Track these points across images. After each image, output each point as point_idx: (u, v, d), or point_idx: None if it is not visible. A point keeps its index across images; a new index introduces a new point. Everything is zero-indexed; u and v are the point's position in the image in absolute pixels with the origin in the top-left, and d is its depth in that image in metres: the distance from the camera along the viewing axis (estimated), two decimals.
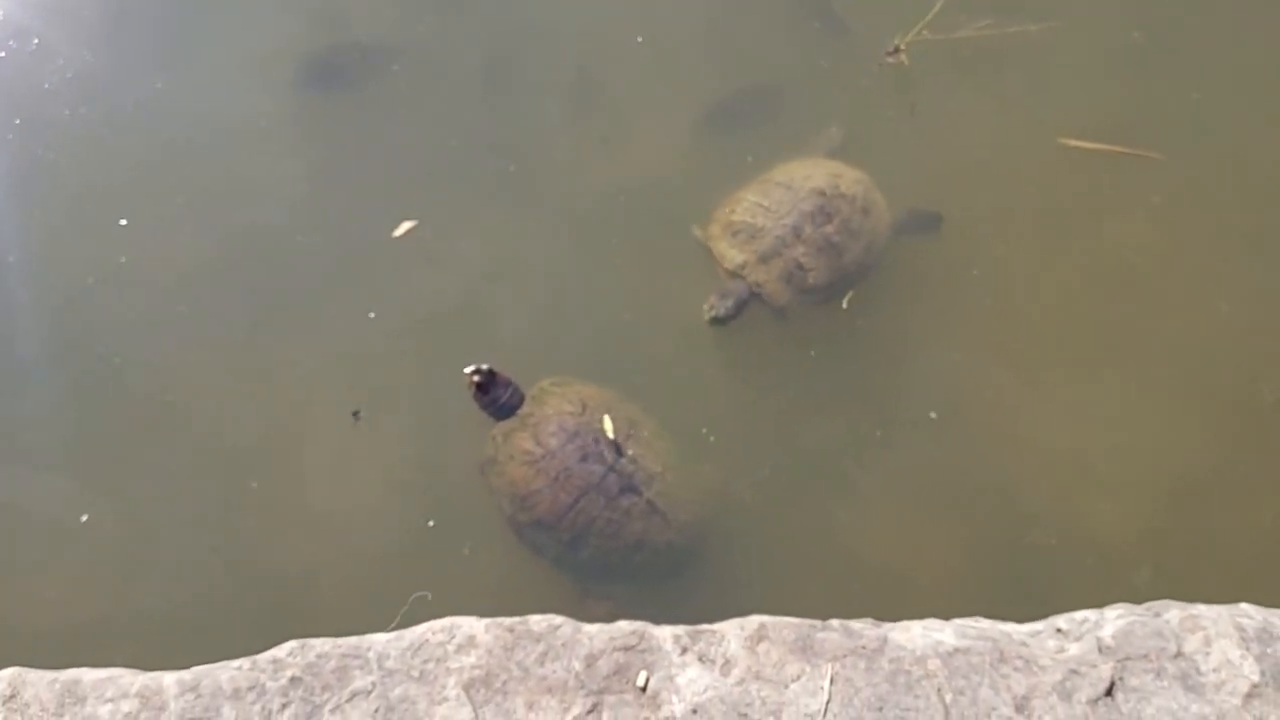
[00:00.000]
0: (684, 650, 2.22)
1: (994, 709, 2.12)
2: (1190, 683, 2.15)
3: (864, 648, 2.21)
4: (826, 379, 3.47)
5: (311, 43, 4.00)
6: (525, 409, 3.22)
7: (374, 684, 2.16)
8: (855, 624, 2.28)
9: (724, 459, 3.33)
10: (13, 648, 2.40)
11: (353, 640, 2.23)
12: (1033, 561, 3.20)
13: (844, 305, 3.55)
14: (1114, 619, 2.26)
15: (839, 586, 3.18)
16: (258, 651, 2.23)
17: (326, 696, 2.15)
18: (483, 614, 2.28)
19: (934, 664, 2.18)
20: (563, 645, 2.22)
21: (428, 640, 2.22)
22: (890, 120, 3.87)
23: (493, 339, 3.51)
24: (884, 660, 2.19)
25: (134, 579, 3.18)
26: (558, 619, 2.26)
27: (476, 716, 2.12)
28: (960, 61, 3.89)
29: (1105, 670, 2.17)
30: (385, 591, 2.97)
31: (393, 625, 2.48)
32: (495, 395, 3.21)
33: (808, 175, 3.57)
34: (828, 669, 2.18)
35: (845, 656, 2.20)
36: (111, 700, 2.15)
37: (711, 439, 3.36)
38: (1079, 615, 2.30)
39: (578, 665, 2.19)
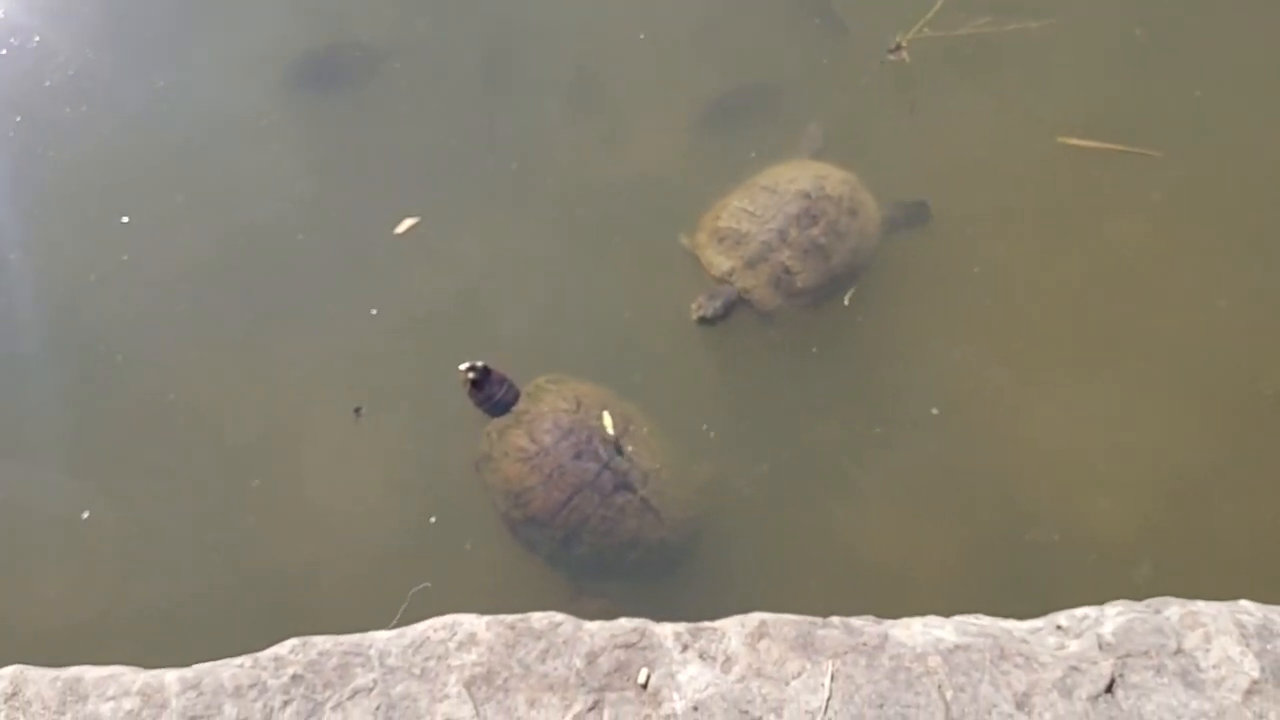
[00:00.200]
0: (685, 647, 2.22)
1: (994, 706, 2.12)
2: (1190, 679, 2.16)
3: (865, 645, 2.21)
4: (827, 376, 3.47)
5: (312, 41, 4.00)
6: (520, 406, 3.23)
7: (375, 681, 2.16)
8: (856, 621, 2.28)
9: (724, 455, 3.33)
10: (14, 645, 2.40)
11: (354, 638, 2.23)
12: (1033, 559, 3.20)
13: (845, 302, 3.55)
14: (1114, 616, 2.27)
15: (839, 583, 3.18)
16: (259, 649, 2.23)
17: (328, 694, 2.15)
18: (484, 610, 2.28)
19: (934, 661, 2.18)
20: (564, 643, 2.22)
21: (429, 638, 2.22)
22: (891, 118, 3.87)
23: (493, 336, 3.51)
24: (884, 657, 2.20)
25: (135, 576, 3.18)
26: (559, 616, 2.27)
27: (478, 714, 2.12)
28: (961, 59, 3.89)
29: (1105, 667, 2.17)
30: (387, 589, 2.97)
31: (394, 622, 2.49)
32: (490, 392, 3.21)
33: (793, 178, 3.56)
34: (828, 666, 2.18)
35: (846, 653, 2.20)
36: (113, 698, 2.15)
37: (712, 435, 3.36)
38: (1079, 612, 2.30)
39: (579, 662, 2.20)
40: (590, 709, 2.14)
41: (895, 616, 2.32)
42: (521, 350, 3.44)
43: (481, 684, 2.16)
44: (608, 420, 3.19)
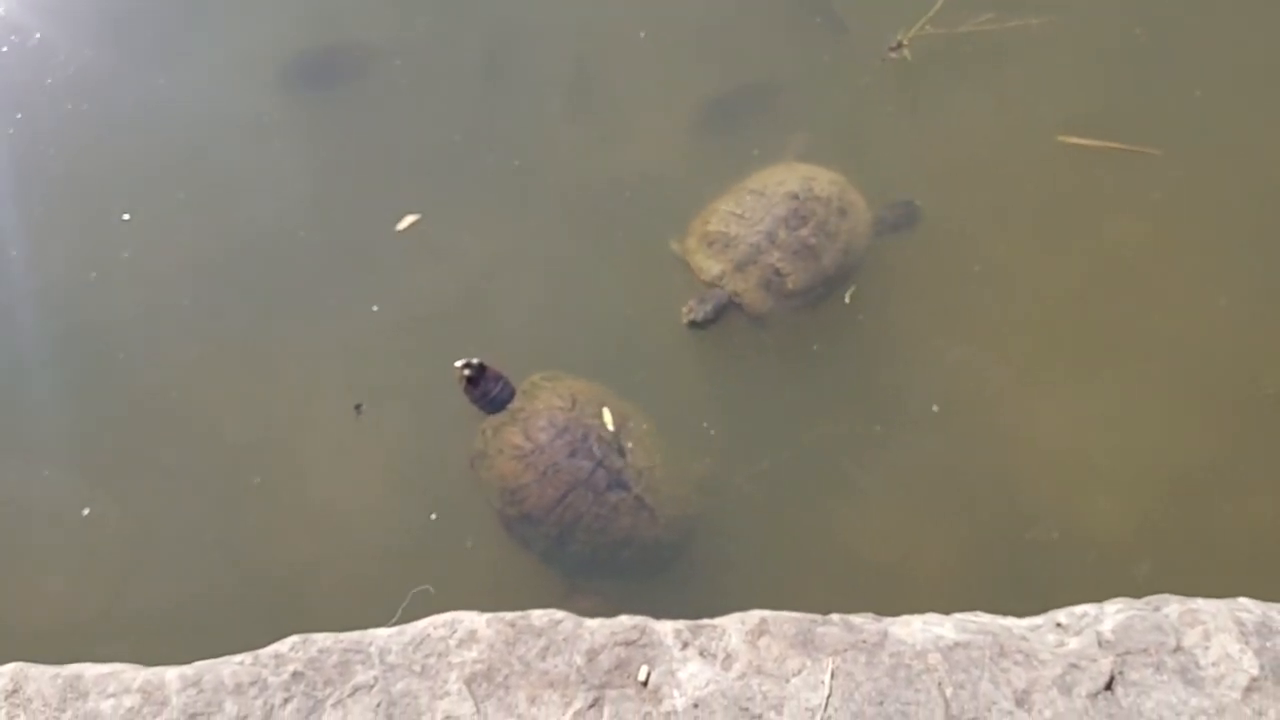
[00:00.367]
0: (685, 645, 2.22)
1: (994, 703, 2.12)
2: (1190, 676, 2.16)
3: (864, 642, 2.21)
4: (828, 374, 3.47)
5: (314, 39, 4.00)
6: (516, 403, 3.23)
7: (376, 679, 2.16)
8: (856, 618, 2.28)
9: (724, 453, 3.33)
10: (14, 643, 2.41)
11: (354, 635, 2.24)
12: (1033, 557, 3.20)
13: (846, 301, 3.55)
14: (1113, 613, 2.27)
15: (839, 581, 3.18)
16: (260, 646, 2.23)
17: (328, 691, 2.15)
18: (485, 608, 2.29)
19: (934, 658, 2.19)
20: (564, 640, 2.22)
21: (429, 635, 2.23)
22: (892, 116, 3.87)
23: (495, 333, 3.51)
24: (884, 654, 2.20)
25: (135, 574, 3.18)
26: (559, 614, 2.27)
27: (478, 711, 2.12)
28: (962, 57, 3.89)
29: (1105, 664, 2.17)
30: (387, 586, 2.98)
31: (394, 620, 2.49)
32: (485, 389, 3.21)
33: (781, 180, 3.56)
34: (828, 663, 2.18)
35: (846, 651, 2.20)
36: (113, 695, 2.15)
37: (712, 433, 3.36)
38: (1079, 609, 2.31)
39: (579, 660, 2.20)
40: (591, 706, 2.14)
41: (895, 613, 2.32)
42: (523, 347, 3.44)
43: (482, 681, 2.16)
44: (608, 417, 3.20)
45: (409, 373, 3.41)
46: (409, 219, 3.65)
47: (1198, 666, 2.17)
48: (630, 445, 3.16)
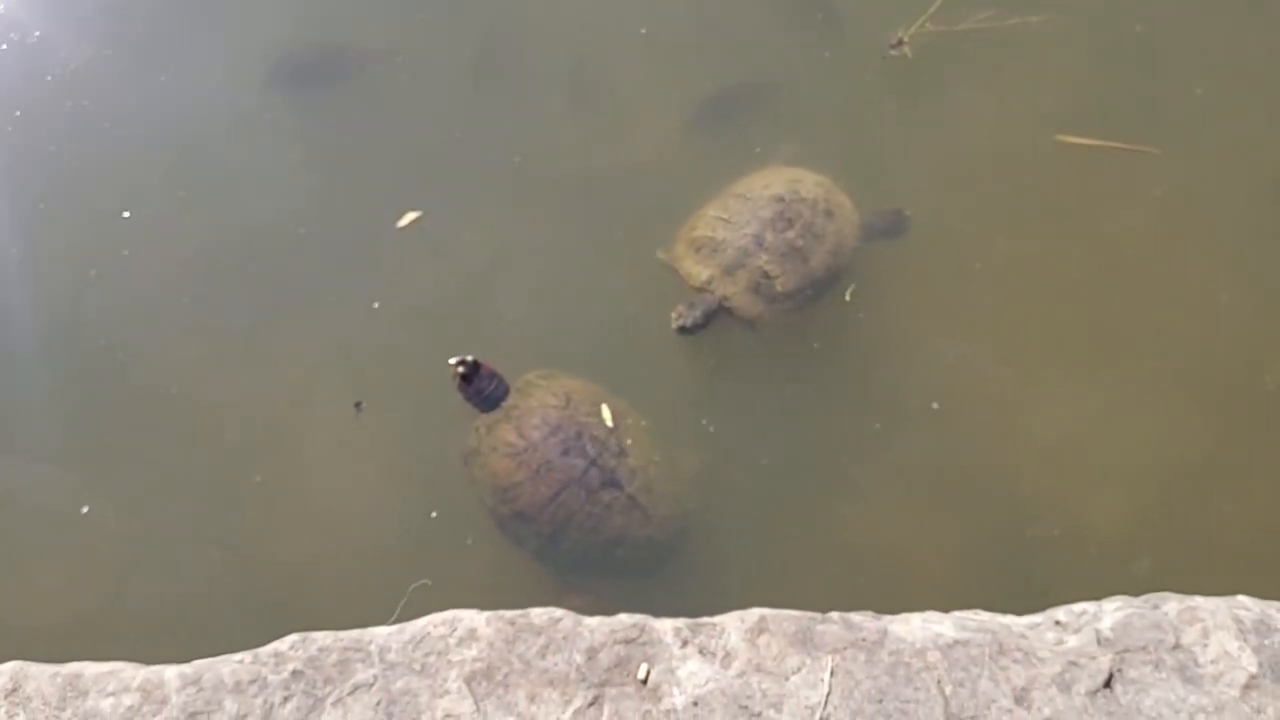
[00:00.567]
0: (685, 643, 2.22)
1: (993, 701, 2.13)
2: (1188, 674, 2.16)
3: (864, 640, 2.22)
4: (827, 371, 3.47)
5: (314, 35, 4.00)
6: (510, 401, 3.23)
7: (376, 677, 2.17)
8: (855, 616, 2.28)
9: (724, 450, 3.33)
10: (13, 641, 2.41)
11: (354, 633, 2.24)
12: (1033, 553, 3.20)
13: (846, 298, 3.55)
14: (1112, 611, 2.27)
15: (839, 579, 3.18)
16: (259, 645, 2.24)
17: (328, 690, 2.15)
18: (486, 605, 2.29)
19: (934, 656, 2.19)
20: (564, 638, 2.23)
21: (429, 633, 2.23)
22: (892, 113, 3.87)
23: (496, 330, 3.51)
24: (884, 652, 2.20)
25: (135, 572, 3.18)
26: (559, 612, 2.27)
27: (478, 709, 2.12)
28: (962, 54, 3.88)
29: (1104, 662, 2.17)
30: (388, 584, 2.97)
31: (394, 617, 2.49)
32: (479, 386, 3.21)
33: (766, 184, 3.55)
34: (828, 661, 2.18)
35: (845, 649, 2.20)
36: (113, 694, 2.15)
37: (711, 429, 3.36)
38: (1077, 607, 2.31)
39: (579, 658, 2.20)
40: (590, 704, 2.14)
41: (895, 611, 2.32)
42: (523, 344, 3.45)
43: (482, 679, 2.16)
44: (606, 414, 3.20)
45: (409, 370, 3.41)
46: (409, 215, 3.65)
47: (1196, 664, 2.17)
48: (630, 442, 3.17)
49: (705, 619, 2.28)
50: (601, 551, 3.12)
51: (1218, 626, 2.21)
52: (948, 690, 2.14)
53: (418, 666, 2.18)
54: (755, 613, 2.27)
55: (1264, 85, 3.83)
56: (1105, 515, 3.22)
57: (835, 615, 2.28)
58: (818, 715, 2.11)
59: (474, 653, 2.19)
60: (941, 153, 3.76)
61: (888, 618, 2.29)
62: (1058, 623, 2.28)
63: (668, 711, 2.12)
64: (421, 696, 2.14)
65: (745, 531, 3.25)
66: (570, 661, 2.19)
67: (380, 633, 2.24)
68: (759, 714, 2.12)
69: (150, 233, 3.64)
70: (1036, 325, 3.51)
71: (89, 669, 2.20)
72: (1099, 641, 2.21)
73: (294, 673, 2.17)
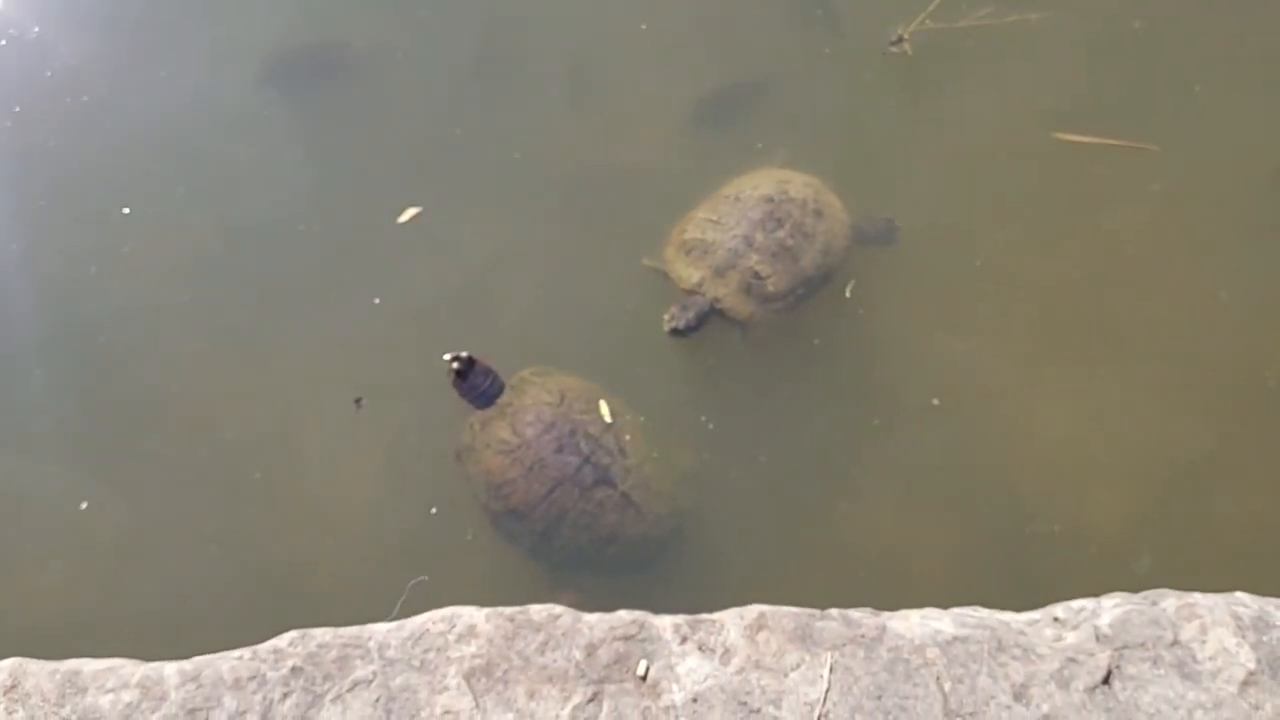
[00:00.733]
0: (684, 639, 2.22)
1: (992, 697, 2.13)
2: (1187, 671, 2.16)
3: (863, 636, 2.22)
4: (827, 368, 3.48)
5: (314, 31, 3.99)
6: (504, 398, 3.23)
7: (375, 673, 2.17)
8: (854, 613, 2.29)
9: (723, 447, 3.33)
10: (13, 637, 2.41)
11: (353, 630, 2.24)
12: (1033, 550, 3.21)
13: (846, 295, 3.55)
14: (1111, 608, 2.27)
15: (838, 575, 3.18)
16: (258, 641, 2.24)
17: (328, 686, 2.15)
18: (486, 601, 2.29)
19: (932, 653, 2.19)
20: (563, 635, 2.23)
21: (428, 630, 2.23)
22: (891, 110, 3.87)
23: (496, 326, 3.51)
24: (883, 649, 2.20)
25: (134, 568, 3.18)
26: (558, 608, 2.27)
27: (477, 705, 2.13)
28: (962, 51, 3.88)
29: (1103, 658, 2.18)
30: (388, 580, 2.98)
31: (393, 614, 2.49)
32: (475, 383, 3.21)
33: (755, 185, 3.54)
34: (827, 658, 2.18)
35: (844, 645, 2.21)
36: (112, 690, 2.16)
37: (710, 426, 3.37)
38: (1076, 604, 2.31)
39: (578, 654, 2.20)
40: (590, 700, 2.14)
41: (894, 608, 2.33)
42: (523, 340, 3.45)
43: (481, 676, 2.16)
44: (605, 409, 3.20)
45: (410, 366, 3.41)
46: (410, 212, 3.65)
47: (1195, 661, 2.18)
48: (628, 438, 3.17)
49: (704, 616, 2.28)
50: (594, 549, 3.12)
51: (1216, 623, 2.22)
52: (947, 686, 2.14)
53: (417, 663, 2.18)
54: (754, 609, 2.27)
55: (1262, 82, 3.83)
56: (1104, 512, 3.22)
57: (834, 612, 2.29)
58: (817, 712, 2.12)
59: (473, 649, 2.20)
60: (941, 150, 3.77)
61: (887, 614, 2.30)
62: (1056, 619, 2.28)
63: (667, 708, 2.13)
64: (421, 693, 2.14)
65: (744, 528, 3.25)
66: (570, 658, 2.20)
67: (379, 629, 2.24)
68: (758, 710, 2.12)
69: (150, 229, 3.64)
70: (1036, 322, 3.51)
71: (88, 665, 2.20)
72: (1097, 638, 2.21)
73: (293, 669, 2.18)
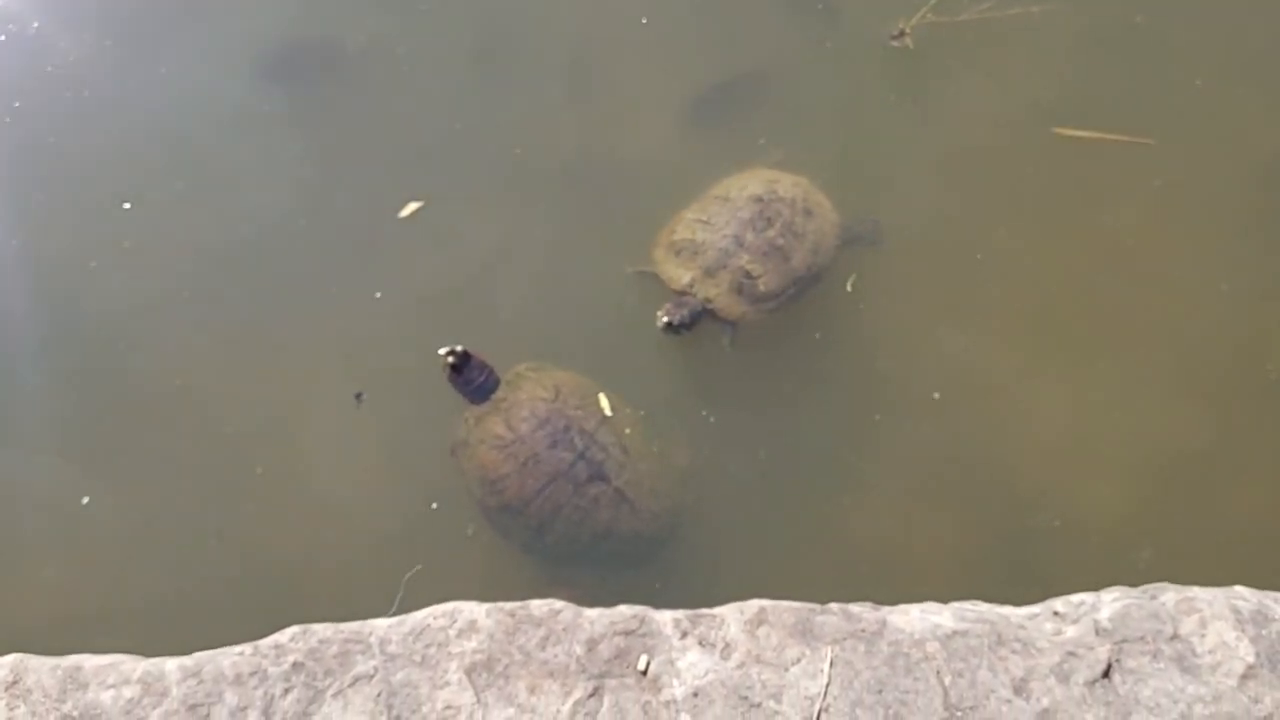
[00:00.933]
0: (684, 634, 2.23)
1: (992, 691, 2.13)
2: (1186, 664, 2.17)
3: (863, 631, 2.22)
4: (828, 362, 3.48)
5: (315, 26, 3.99)
6: (500, 393, 3.23)
7: (376, 669, 2.17)
8: (854, 607, 2.29)
9: (724, 440, 3.34)
10: (13, 633, 2.41)
11: (354, 625, 2.24)
12: (1034, 544, 3.21)
13: (848, 289, 3.55)
14: (1111, 602, 2.28)
15: (838, 570, 3.19)
16: (260, 637, 2.24)
17: (329, 681, 2.16)
18: (487, 596, 2.30)
19: (933, 647, 2.19)
20: (564, 630, 2.23)
21: (429, 625, 2.23)
22: (893, 104, 3.86)
23: (498, 320, 3.51)
24: (883, 643, 2.20)
25: (135, 564, 3.18)
26: (558, 603, 2.28)
27: (478, 700, 2.13)
28: (963, 45, 3.88)
29: (1102, 652, 2.18)
30: (389, 575, 2.98)
31: (393, 609, 2.49)
32: (470, 377, 3.21)
33: (744, 185, 3.54)
34: (827, 652, 2.19)
35: (845, 640, 2.21)
36: (113, 686, 2.16)
37: (711, 420, 3.37)
38: (1076, 598, 2.31)
39: (579, 649, 2.20)
40: (590, 695, 2.15)
41: (894, 602, 2.33)
42: (525, 333, 3.45)
43: (482, 671, 2.17)
44: (605, 403, 3.21)
45: (411, 360, 3.40)
46: (412, 206, 3.65)
47: (1194, 654, 2.18)
48: (629, 431, 3.17)
49: (705, 610, 2.28)
50: (588, 545, 3.13)
51: (1215, 617, 2.22)
52: (947, 681, 2.15)
53: (418, 658, 2.19)
54: (754, 604, 2.27)
55: (1264, 76, 3.83)
56: (1105, 506, 3.23)
57: (834, 606, 2.29)
58: (817, 706, 2.12)
59: (474, 644, 2.20)
60: (942, 144, 3.76)
61: (887, 609, 2.30)
62: (1056, 613, 2.28)
63: (668, 702, 2.13)
64: (422, 688, 2.15)
65: (745, 522, 3.25)
66: (570, 653, 2.20)
67: (380, 624, 2.24)
68: (759, 705, 2.12)
69: (151, 224, 3.63)
70: (1037, 316, 3.51)
71: (89, 661, 2.20)
72: (1097, 632, 2.22)
73: (294, 664, 2.18)
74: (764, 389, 3.44)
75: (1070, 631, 2.23)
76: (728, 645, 2.21)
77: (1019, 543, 3.21)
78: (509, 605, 2.27)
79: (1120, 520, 3.21)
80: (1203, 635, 2.20)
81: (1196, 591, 2.28)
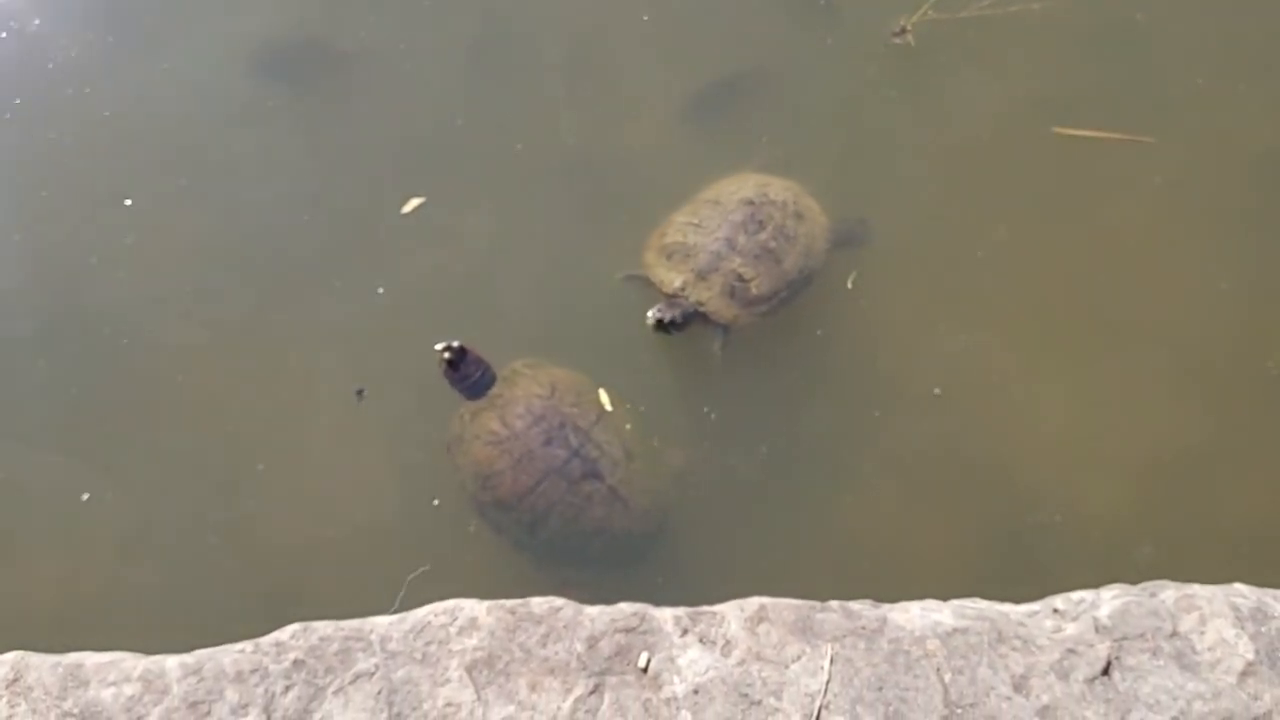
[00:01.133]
0: (685, 631, 2.23)
1: (992, 688, 2.13)
2: (1186, 662, 2.17)
3: (863, 628, 2.22)
4: (828, 358, 3.48)
5: (316, 22, 3.99)
6: (495, 389, 3.24)
7: (377, 666, 2.17)
8: (854, 605, 2.29)
9: (724, 437, 3.33)
10: (14, 630, 2.41)
11: (355, 623, 2.25)
12: (1035, 540, 3.21)
13: (849, 285, 3.55)
14: (1110, 599, 2.28)
15: (838, 567, 3.19)
16: (261, 634, 2.24)
17: (329, 679, 2.16)
18: (488, 592, 2.30)
19: (933, 644, 2.20)
20: (564, 627, 2.23)
21: (430, 622, 2.23)
22: (894, 100, 3.86)
23: (499, 317, 3.51)
24: (883, 641, 2.21)
25: (136, 560, 3.18)
26: (559, 601, 2.28)
27: (479, 698, 2.13)
28: (964, 42, 3.88)
29: (1102, 650, 2.18)
30: (390, 572, 2.98)
31: (394, 607, 2.50)
32: (465, 373, 3.22)
33: (735, 189, 3.54)
34: (828, 649, 2.19)
35: (845, 637, 2.21)
36: (114, 684, 2.16)
37: (712, 417, 3.37)
38: (1076, 595, 2.32)
39: (579, 647, 2.21)
40: (591, 692, 2.15)
41: (894, 599, 2.33)
42: (525, 329, 3.46)
43: (483, 668, 2.17)
44: (605, 398, 3.21)
45: (413, 356, 3.40)
46: (414, 202, 3.65)
47: (1194, 651, 2.18)
48: (628, 427, 3.18)
49: (705, 608, 2.28)
50: (580, 542, 3.13)
51: (1215, 614, 2.22)
52: (947, 678, 2.15)
53: (419, 655, 2.19)
54: (755, 601, 2.28)
55: (1263, 74, 3.83)
56: (1104, 502, 3.22)
57: (835, 604, 2.29)
58: (817, 703, 2.12)
59: (475, 642, 2.20)
60: (943, 140, 3.76)
61: (887, 606, 2.30)
62: (1056, 610, 2.28)
63: (668, 700, 2.13)
64: (423, 685, 2.15)
65: (745, 519, 3.25)
66: (571, 650, 2.20)
67: (381, 622, 2.25)
68: (759, 702, 2.12)
69: (152, 220, 3.64)
70: (1038, 312, 3.51)
71: (90, 659, 2.21)
72: (1097, 629, 2.22)
73: (295, 662, 2.18)
74: (765, 386, 3.44)
75: (1070, 629, 2.23)
76: (728, 642, 2.21)
77: (1019, 540, 3.21)
78: (510, 603, 2.27)
79: (1120, 517, 3.20)
80: (1202, 632, 2.20)
81: (1196, 589, 2.28)
